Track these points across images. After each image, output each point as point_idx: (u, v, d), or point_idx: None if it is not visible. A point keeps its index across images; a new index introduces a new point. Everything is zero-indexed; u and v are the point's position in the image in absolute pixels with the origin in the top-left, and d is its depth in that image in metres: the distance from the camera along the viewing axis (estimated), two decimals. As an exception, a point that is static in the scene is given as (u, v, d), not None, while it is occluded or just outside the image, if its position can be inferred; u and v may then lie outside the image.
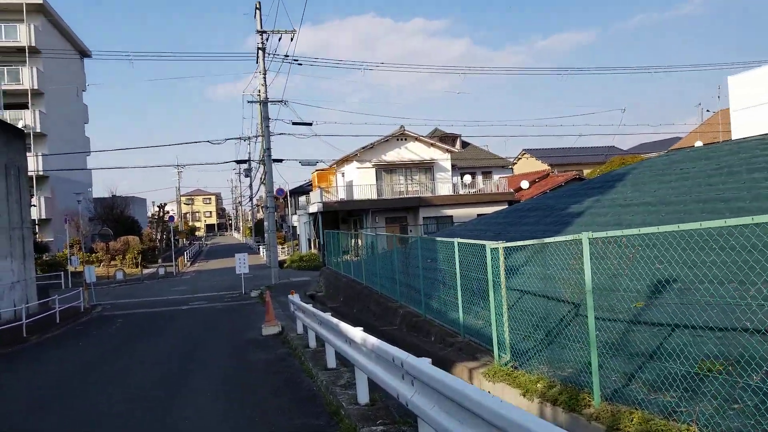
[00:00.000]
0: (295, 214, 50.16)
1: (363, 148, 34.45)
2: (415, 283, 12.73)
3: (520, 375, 6.86)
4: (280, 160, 28.14)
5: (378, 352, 5.70)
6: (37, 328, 16.99)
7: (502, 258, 7.47)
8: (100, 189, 57.93)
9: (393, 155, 34.98)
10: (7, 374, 11.39)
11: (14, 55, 37.21)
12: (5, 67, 36.21)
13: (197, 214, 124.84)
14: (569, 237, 6.33)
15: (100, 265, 36.38)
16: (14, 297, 19.32)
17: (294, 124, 26.80)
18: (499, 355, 7.60)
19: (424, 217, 33.09)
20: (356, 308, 17.59)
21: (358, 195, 34.08)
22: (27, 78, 36.37)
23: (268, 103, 26.53)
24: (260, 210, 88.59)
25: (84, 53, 48.36)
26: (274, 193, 26.98)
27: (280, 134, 28.25)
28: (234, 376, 9.55)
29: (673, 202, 10.98)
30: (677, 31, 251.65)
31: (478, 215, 32.35)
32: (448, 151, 36.15)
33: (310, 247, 36.57)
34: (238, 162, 28.00)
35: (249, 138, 29.82)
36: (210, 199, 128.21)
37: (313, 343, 10.84)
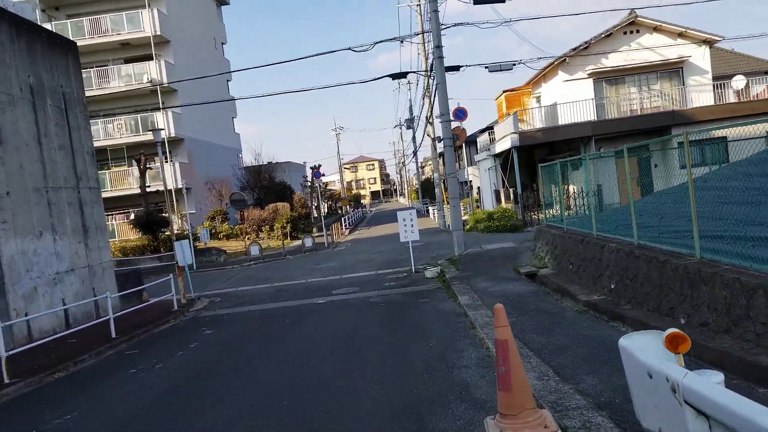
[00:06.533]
0: (471, 165, 40.31)
1: (573, 49, 23.16)
2: None
3: None
4: (456, 68, 18.33)
5: None
6: (63, 354, 9.56)
7: None
8: (250, 157, 52.76)
9: (618, 57, 23.19)
10: None
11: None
12: (124, 13, 30.97)
13: (361, 181, 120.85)
14: None
15: (245, 238, 30.23)
16: (64, 294, 12.30)
17: (476, 3, 16.66)
18: None
19: (679, 142, 21.05)
20: (682, 314, 7.32)
21: (564, 119, 23.07)
22: (148, 22, 30.77)
23: (432, -27, 16.69)
24: (424, 170, 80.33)
25: (221, 0, 42.85)
26: (451, 115, 17.30)
27: (455, 25, 18.41)
28: None
29: None
30: None
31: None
32: (705, 42, 23.26)
33: (498, 201, 26.55)
34: (394, 77, 18.66)
35: (404, 39, 20.14)
36: (373, 165, 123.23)
37: None
